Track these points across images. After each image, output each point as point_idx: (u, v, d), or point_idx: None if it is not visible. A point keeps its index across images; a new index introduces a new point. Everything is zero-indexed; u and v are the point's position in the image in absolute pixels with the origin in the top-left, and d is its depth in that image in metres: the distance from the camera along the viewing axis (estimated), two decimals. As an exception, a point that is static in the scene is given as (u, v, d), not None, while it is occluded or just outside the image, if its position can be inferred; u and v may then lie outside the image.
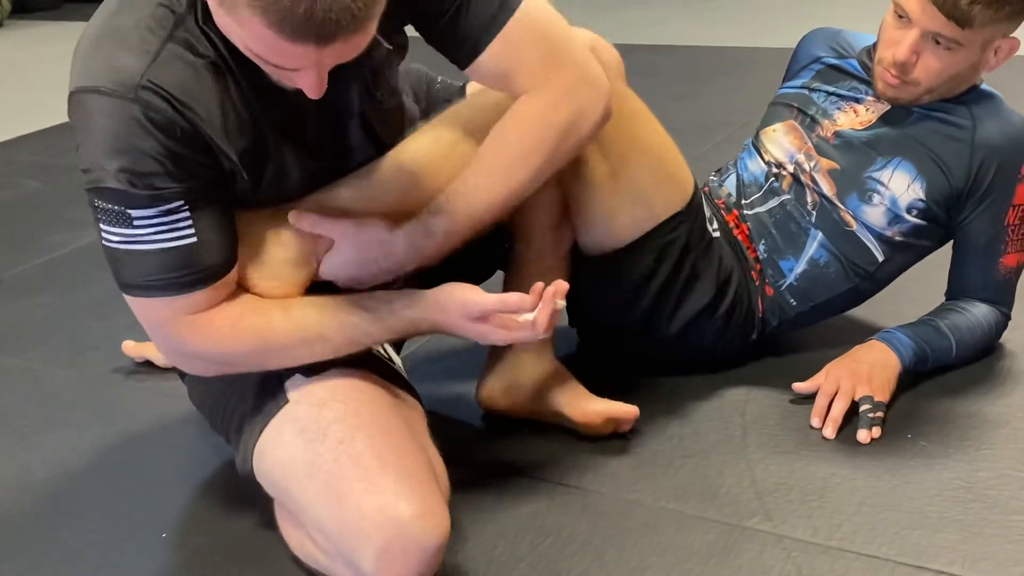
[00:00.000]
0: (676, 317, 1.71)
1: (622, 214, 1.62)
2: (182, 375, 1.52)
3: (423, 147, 1.38)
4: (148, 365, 1.90)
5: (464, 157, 1.37)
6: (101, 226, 1.25)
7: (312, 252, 1.35)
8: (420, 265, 1.37)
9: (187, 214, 1.24)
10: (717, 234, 1.74)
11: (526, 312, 1.31)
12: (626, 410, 1.60)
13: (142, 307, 1.30)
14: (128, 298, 1.30)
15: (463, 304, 1.32)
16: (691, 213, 1.68)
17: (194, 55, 1.22)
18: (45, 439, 1.73)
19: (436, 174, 1.37)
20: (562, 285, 1.31)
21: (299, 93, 1.19)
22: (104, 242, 1.26)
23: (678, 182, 1.67)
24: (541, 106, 1.35)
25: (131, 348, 1.91)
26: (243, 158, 1.27)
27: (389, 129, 1.41)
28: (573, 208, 1.62)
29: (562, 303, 1.32)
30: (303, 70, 1.14)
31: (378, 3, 1.11)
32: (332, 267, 1.36)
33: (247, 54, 1.16)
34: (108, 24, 1.24)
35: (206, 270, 1.27)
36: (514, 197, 1.39)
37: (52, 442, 1.71)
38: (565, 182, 1.59)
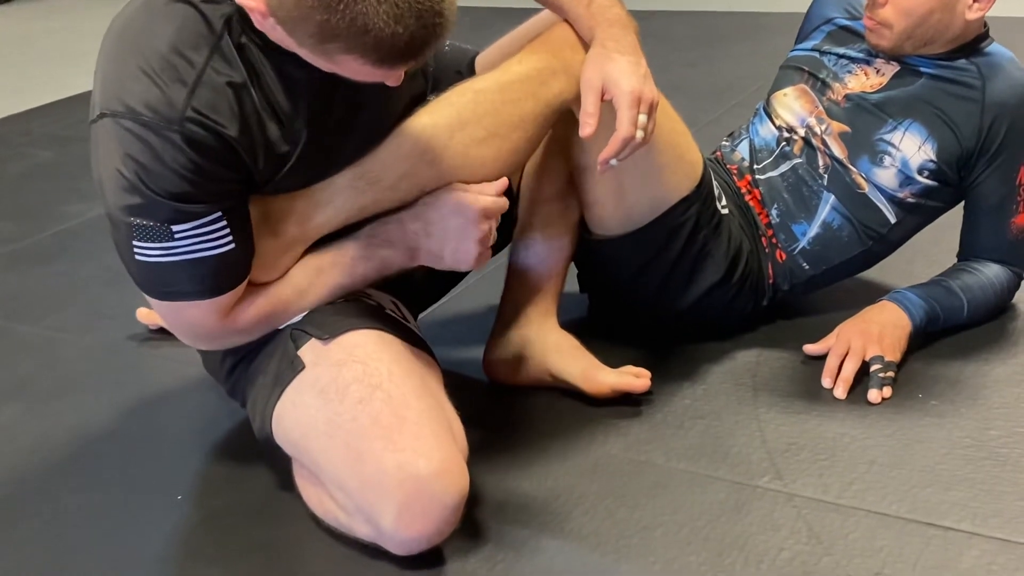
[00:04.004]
0: (687, 293, 1.72)
1: (630, 197, 1.62)
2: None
3: (421, 135, 1.38)
4: (162, 332, 1.92)
5: (462, 145, 1.38)
6: (135, 243, 1.27)
7: (300, 237, 1.37)
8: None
9: (224, 223, 1.28)
10: (726, 211, 1.73)
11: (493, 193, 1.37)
12: (637, 382, 1.60)
13: (175, 310, 1.35)
14: (158, 302, 1.35)
15: (453, 193, 1.37)
16: (700, 194, 1.67)
17: (228, 78, 1.24)
18: (62, 405, 1.74)
19: (431, 164, 1.38)
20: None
21: (323, 93, 1.24)
22: (138, 257, 1.28)
23: (688, 164, 1.66)
24: None
25: (145, 315, 1.93)
26: (265, 169, 1.31)
27: (400, 101, 1.42)
28: (580, 189, 1.62)
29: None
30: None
31: (454, 4, 1.14)
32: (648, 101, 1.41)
33: (326, 71, 1.19)
34: (141, 39, 1.24)
35: (242, 272, 1.33)
36: None
37: (69, 408, 1.73)
38: (573, 163, 1.59)
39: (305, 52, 1.17)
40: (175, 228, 1.25)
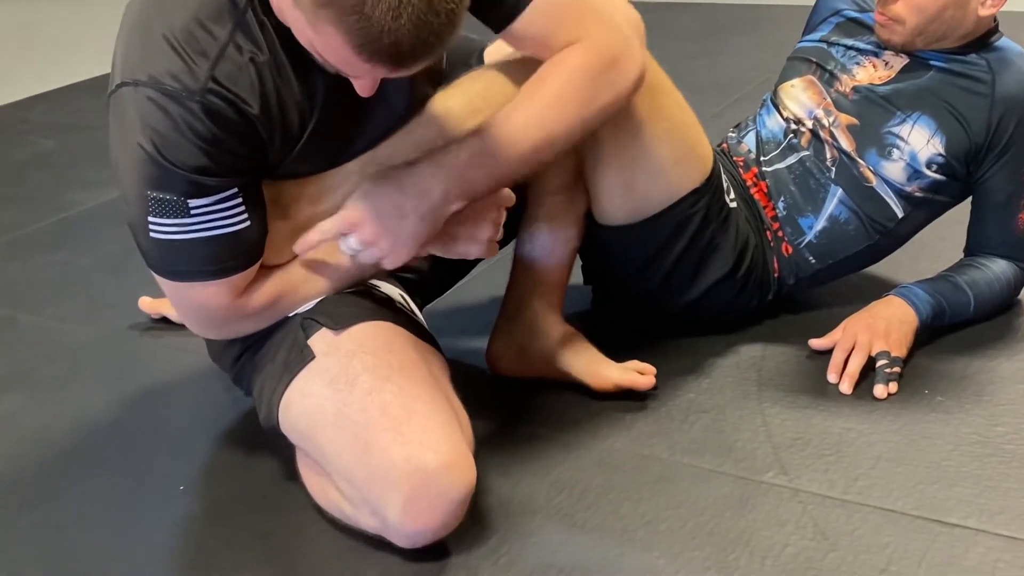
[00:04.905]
0: (693, 287, 1.71)
1: (640, 189, 1.60)
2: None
3: (433, 121, 1.37)
4: (164, 321, 1.92)
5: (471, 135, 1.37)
6: (150, 219, 1.26)
7: (310, 221, 1.36)
8: (457, 198, 1.31)
9: (240, 200, 1.27)
10: (734, 204, 1.72)
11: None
12: (642, 380, 1.59)
13: (186, 291, 1.33)
14: (170, 283, 1.33)
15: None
16: (710, 188, 1.66)
17: (251, 54, 1.23)
18: (64, 395, 1.74)
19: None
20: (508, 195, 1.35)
21: (341, 80, 1.21)
22: (152, 235, 1.27)
23: (698, 157, 1.64)
24: (580, 57, 1.33)
25: (147, 304, 1.92)
26: (279, 150, 1.30)
27: (422, 90, 1.41)
28: (589, 180, 1.60)
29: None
30: (364, 77, 1.17)
31: (457, 32, 1.12)
32: (371, 251, 1.32)
33: (307, 48, 1.17)
34: (163, 9, 1.23)
35: (256, 252, 1.32)
36: (547, 143, 1.33)
37: (70, 397, 1.73)
38: (582, 154, 1.58)
39: (297, 16, 1.13)
40: (191, 203, 1.24)
